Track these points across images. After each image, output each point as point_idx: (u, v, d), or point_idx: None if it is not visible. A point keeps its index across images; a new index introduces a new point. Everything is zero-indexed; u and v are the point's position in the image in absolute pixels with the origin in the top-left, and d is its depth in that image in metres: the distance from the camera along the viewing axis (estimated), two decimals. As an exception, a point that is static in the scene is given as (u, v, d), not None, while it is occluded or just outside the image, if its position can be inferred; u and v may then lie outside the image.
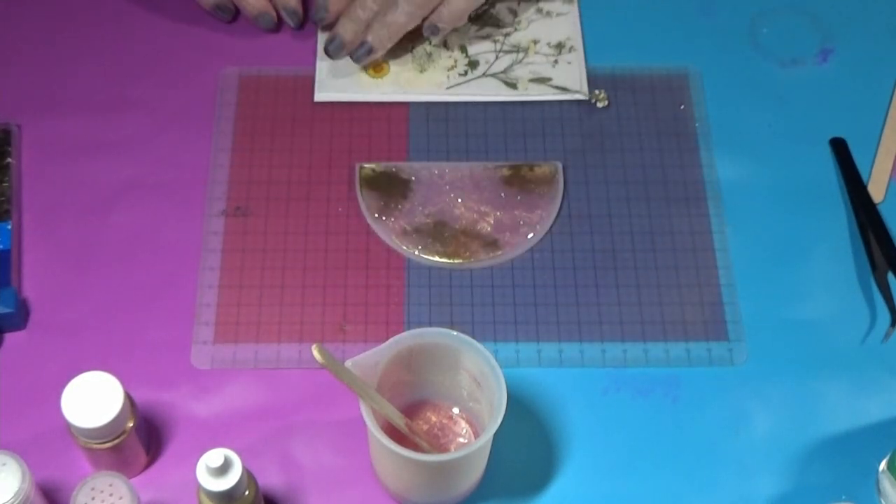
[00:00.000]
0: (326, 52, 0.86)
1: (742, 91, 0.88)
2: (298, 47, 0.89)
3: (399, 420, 0.67)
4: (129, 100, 0.86)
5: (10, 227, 0.79)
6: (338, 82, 0.86)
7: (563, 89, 0.86)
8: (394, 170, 0.83)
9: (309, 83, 0.87)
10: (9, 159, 0.82)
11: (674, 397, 0.75)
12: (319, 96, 0.86)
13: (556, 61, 0.87)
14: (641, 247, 0.80)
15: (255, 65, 0.88)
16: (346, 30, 0.85)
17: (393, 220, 0.81)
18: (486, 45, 0.88)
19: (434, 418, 0.72)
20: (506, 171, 0.83)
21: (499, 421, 0.64)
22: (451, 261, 0.79)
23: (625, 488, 0.72)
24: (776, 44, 0.90)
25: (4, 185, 0.81)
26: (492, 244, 0.80)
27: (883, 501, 0.71)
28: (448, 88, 0.86)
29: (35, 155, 0.83)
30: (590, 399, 0.75)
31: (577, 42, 0.89)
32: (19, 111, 0.85)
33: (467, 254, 0.79)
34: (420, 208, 0.81)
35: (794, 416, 0.74)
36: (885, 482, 0.70)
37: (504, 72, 0.87)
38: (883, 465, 0.71)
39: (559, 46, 0.88)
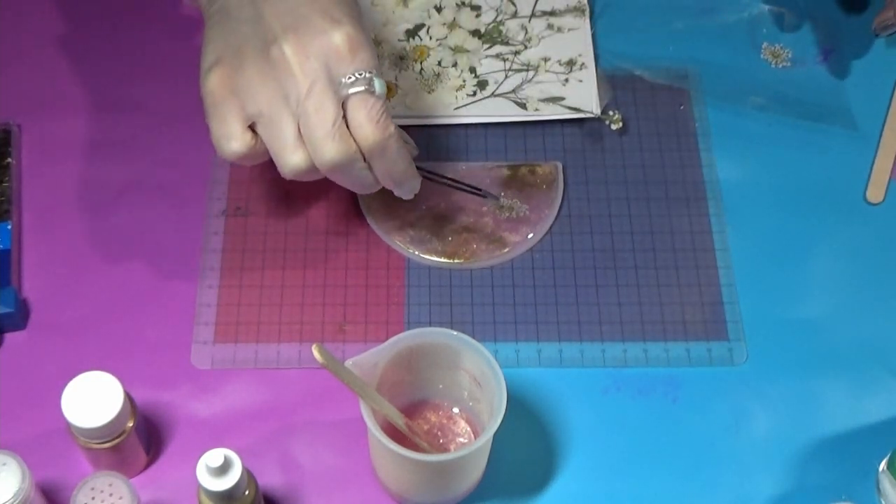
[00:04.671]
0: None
1: (742, 91, 0.88)
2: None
3: (399, 420, 0.67)
4: (129, 100, 0.86)
5: (10, 227, 0.79)
6: None
7: (576, 109, 0.85)
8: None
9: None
10: (9, 159, 0.82)
11: (674, 397, 0.75)
12: None
13: (566, 80, 0.86)
14: (641, 247, 0.80)
15: (255, 65, 0.88)
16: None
17: (393, 219, 0.80)
18: (496, 65, 0.87)
19: (434, 418, 0.72)
20: (506, 171, 0.83)
21: (499, 421, 0.64)
22: (451, 261, 0.79)
23: (625, 488, 0.72)
24: (776, 44, 0.90)
25: (4, 185, 0.81)
26: (497, 241, 0.80)
27: (883, 501, 0.71)
28: (456, 109, 0.85)
29: (35, 155, 0.83)
30: (590, 399, 0.75)
31: (589, 58, 0.87)
32: (19, 111, 0.85)
33: (467, 253, 0.79)
34: (421, 209, 0.81)
35: (794, 416, 0.74)
36: (885, 482, 0.70)
37: (514, 91, 0.86)
38: (883, 465, 0.71)
39: (570, 63, 0.87)
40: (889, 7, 0.85)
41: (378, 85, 0.67)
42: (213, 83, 0.68)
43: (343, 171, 0.68)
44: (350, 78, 0.67)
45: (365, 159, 0.69)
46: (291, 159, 0.67)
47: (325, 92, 0.66)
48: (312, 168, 0.68)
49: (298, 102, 0.66)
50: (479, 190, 0.81)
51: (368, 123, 0.67)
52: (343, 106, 0.67)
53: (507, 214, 0.81)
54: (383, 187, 0.73)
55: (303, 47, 0.66)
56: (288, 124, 0.67)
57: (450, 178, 0.80)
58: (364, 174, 0.70)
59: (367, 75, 0.67)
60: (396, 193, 0.74)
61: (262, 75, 0.67)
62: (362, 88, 0.67)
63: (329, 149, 0.67)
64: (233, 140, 0.68)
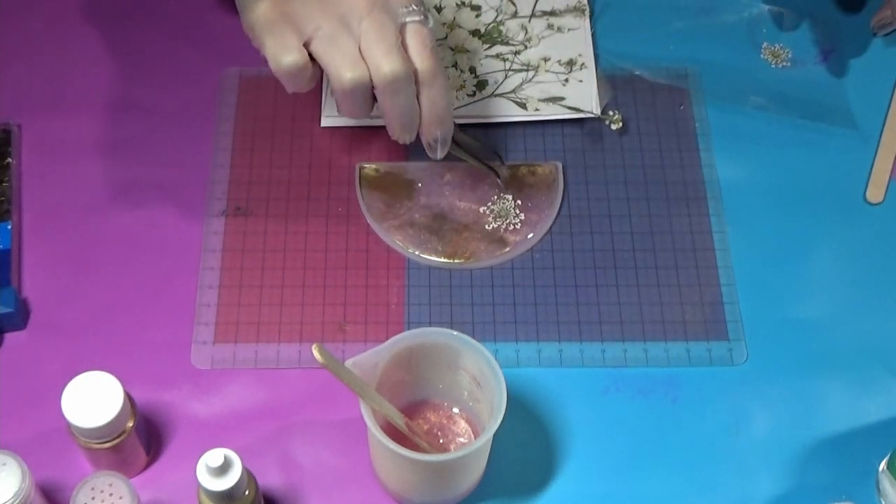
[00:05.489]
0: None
1: (742, 91, 0.88)
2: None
3: (399, 420, 0.67)
4: (130, 100, 0.86)
5: (10, 227, 0.79)
6: None
7: (576, 109, 0.85)
8: (398, 171, 0.83)
9: (309, 83, 0.87)
10: (9, 159, 0.82)
11: (674, 397, 0.75)
12: (326, 122, 0.85)
13: (566, 80, 0.86)
14: (641, 246, 0.80)
15: (255, 65, 0.87)
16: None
17: (393, 220, 0.81)
18: (496, 64, 0.87)
19: (434, 418, 0.72)
20: (505, 171, 0.83)
21: (499, 421, 0.64)
22: (451, 261, 0.79)
23: (625, 488, 0.72)
24: (776, 44, 0.90)
25: (4, 185, 0.81)
26: (497, 241, 0.80)
27: (883, 501, 0.71)
28: (456, 109, 0.85)
29: (35, 155, 0.83)
30: (590, 399, 0.75)
31: (589, 58, 0.87)
32: (19, 111, 0.85)
33: (467, 253, 0.79)
34: (422, 209, 0.81)
35: (794, 416, 0.74)
36: (885, 482, 0.70)
37: (513, 91, 0.86)
38: (883, 465, 0.71)
39: (570, 63, 0.87)
40: (887, 6, 0.85)
41: (431, 19, 0.72)
42: (264, 10, 0.70)
43: (397, 90, 0.70)
44: (407, 8, 0.71)
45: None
46: (350, 73, 0.69)
47: (385, 14, 0.70)
48: (367, 85, 0.70)
49: (360, 21, 0.69)
50: (498, 157, 0.81)
51: (424, 50, 0.71)
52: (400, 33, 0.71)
53: (502, 222, 0.80)
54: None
55: None
56: (349, 40, 0.69)
57: (472, 140, 0.80)
58: (413, 101, 0.72)
59: (422, 9, 0.71)
60: (430, 146, 0.75)
61: (320, 1, 0.69)
62: (419, 18, 0.71)
63: (389, 62, 0.69)
64: (290, 52, 0.69)
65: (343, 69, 0.69)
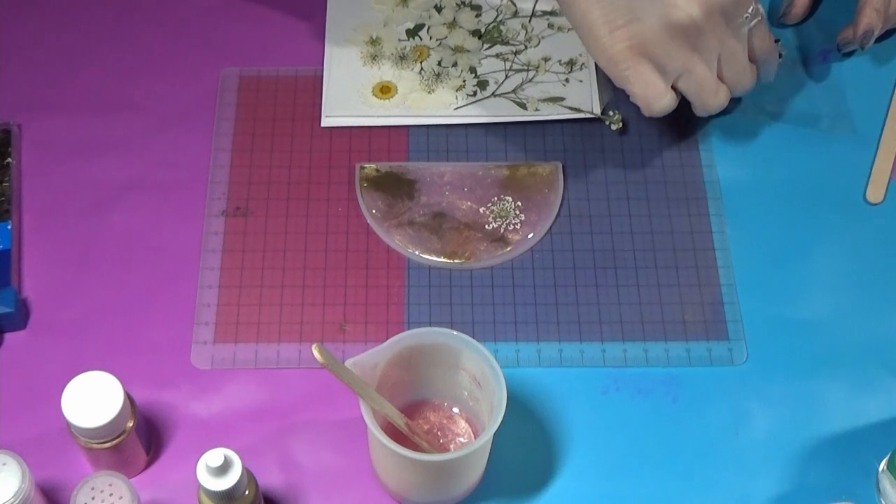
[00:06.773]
0: (862, 47, 0.87)
1: (742, 91, 0.88)
2: (299, 47, 0.89)
3: (399, 420, 0.67)
4: (129, 100, 0.86)
5: (10, 227, 0.79)
6: (344, 105, 0.85)
7: (576, 110, 0.85)
8: (398, 171, 0.83)
9: (310, 82, 0.87)
10: (9, 159, 0.82)
11: (674, 397, 0.75)
12: (326, 122, 0.85)
13: (567, 80, 0.87)
14: (641, 246, 0.80)
15: (255, 65, 0.88)
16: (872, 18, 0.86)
17: (393, 220, 0.81)
18: (496, 64, 0.87)
19: (434, 418, 0.72)
20: (506, 171, 0.83)
21: (499, 421, 0.64)
22: (451, 261, 0.79)
23: (625, 488, 0.72)
24: (776, 43, 0.90)
25: (4, 185, 0.81)
26: (497, 241, 0.80)
27: (883, 501, 0.71)
28: (457, 109, 0.85)
29: (35, 155, 0.83)
30: (590, 399, 0.75)
31: (589, 58, 0.87)
32: (19, 111, 0.85)
33: (467, 253, 0.79)
34: (422, 209, 0.81)
35: (794, 416, 0.74)
36: (885, 482, 0.70)
37: (514, 91, 0.86)
38: (883, 465, 0.71)
39: (570, 63, 0.87)
40: (848, 26, 0.86)
41: (762, 9, 0.79)
42: (621, 50, 0.75)
43: (749, 89, 0.82)
44: (746, 16, 0.78)
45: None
46: (716, 100, 0.80)
47: (734, 39, 0.78)
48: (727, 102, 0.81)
49: (715, 54, 0.77)
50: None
51: (767, 42, 0.81)
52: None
53: (502, 222, 0.81)
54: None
55: (707, 7, 0.75)
56: (708, 74, 0.78)
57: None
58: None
59: (755, 7, 0.78)
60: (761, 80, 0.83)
61: (672, 37, 0.75)
62: (757, 19, 0.78)
63: (747, 80, 0.81)
64: (663, 98, 0.77)
65: (709, 99, 0.79)
